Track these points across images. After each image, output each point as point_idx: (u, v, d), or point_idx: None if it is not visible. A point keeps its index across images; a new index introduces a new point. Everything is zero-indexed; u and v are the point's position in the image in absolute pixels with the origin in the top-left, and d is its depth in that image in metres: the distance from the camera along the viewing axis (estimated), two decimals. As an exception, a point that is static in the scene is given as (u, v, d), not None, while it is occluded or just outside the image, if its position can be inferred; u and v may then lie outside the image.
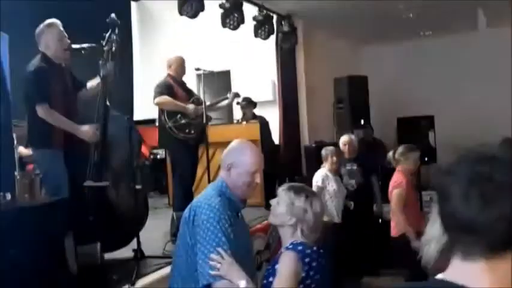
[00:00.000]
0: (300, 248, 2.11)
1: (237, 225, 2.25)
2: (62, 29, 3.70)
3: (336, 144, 6.26)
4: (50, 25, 3.67)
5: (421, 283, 1.10)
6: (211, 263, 2.02)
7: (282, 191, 2.26)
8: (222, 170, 2.35)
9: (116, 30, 3.88)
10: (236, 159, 2.29)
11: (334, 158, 5.44)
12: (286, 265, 2.07)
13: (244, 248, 2.29)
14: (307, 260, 2.09)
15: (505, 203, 0.90)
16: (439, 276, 1.03)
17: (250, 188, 2.32)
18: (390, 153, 4.69)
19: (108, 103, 3.86)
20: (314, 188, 5.27)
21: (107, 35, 3.85)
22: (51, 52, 3.64)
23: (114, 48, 3.87)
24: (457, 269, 0.98)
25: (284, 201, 2.20)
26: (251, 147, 2.40)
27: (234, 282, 1.98)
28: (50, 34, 3.64)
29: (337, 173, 5.51)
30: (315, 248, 2.16)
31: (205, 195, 2.29)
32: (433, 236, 1.21)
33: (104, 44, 3.84)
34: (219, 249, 2.04)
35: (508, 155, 0.96)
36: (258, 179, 2.31)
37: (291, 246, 2.13)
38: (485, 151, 0.97)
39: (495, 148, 0.98)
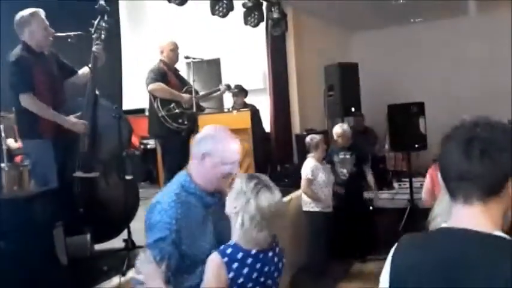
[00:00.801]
0: (228, 250, 1.90)
1: (202, 222, 2.07)
2: (44, 17, 3.63)
3: (327, 132, 6.26)
4: (34, 14, 3.59)
5: (430, 232, 1.35)
6: (136, 265, 1.88)
7: (238, 177, 2.01)
8: (193, 159, 2.12)
9: (105, 17, 3.82)
10: (213, 147, 2.05)
11: (324, 146, 5.44)
12: (207, 271, 1.89)
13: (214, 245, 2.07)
14: (235, 265, 1.88)
15: (496, 157, 1.17)
16: (444, 224, 1.26)
17: (225, 180, 2.11)
18: None
19: (97, 92, 3.81)
20: (303, 180, 5.28)
21: (96, 22, 3.79)
22: (35, 41, 3.57)
23: (103, 36, 3.82)
24: (459, 215, 1.22)
25: (235, 187, 1.95)
26: (230, 134, 2.14)
27: None
28: (35, 23, 3.57)
29: (323, 161, 5.49)
30: (253, 252, 1.91)
31: (164, 191, 2.15)
32: (439, 213, 1.48)
33: (92, 31, 3.78)
34: (146, 253, 1.87)
35: (498, 122, 1.22)
36: (236, 169, 2.09)
37: (221, 248, 1.93)
38: (482, 120, 1.22)
39: (492, 118, 1.23)
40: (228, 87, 5.55)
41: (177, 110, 4.82)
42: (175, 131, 4.83)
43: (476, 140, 1.18)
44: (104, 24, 3.81)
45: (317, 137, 5.45)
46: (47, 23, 3.64)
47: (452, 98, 8.30)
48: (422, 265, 1.21)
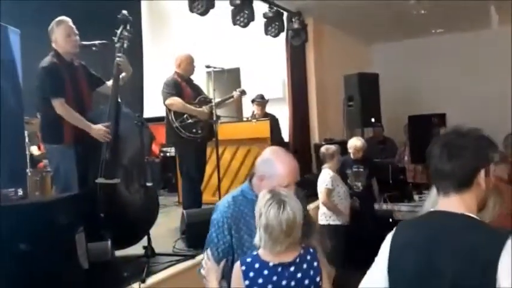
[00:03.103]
0: (248, 259, 2.00)
1: (253, 225, 2.17)
2: (71, 25, 3.73)
3: (345, 143, 6.22)
4: (59, 22, 3.72)
5: (422, 215, 1.65)
6: (202, 262, 2.18)
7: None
8: (255, 179, 2.28)
9: (128, 27, 3.89)
10: (267, 171, 2.20)
11: (339, 157, 5.37)
12: (232, 276, 2.04)
13: None
14: (251, 274, 1.97)
15: (461, 159, 1.50)
16: (431, 209, 1.60)
17: None
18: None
19: (119, 100, 3.87)
20: (322, 191, 5.15)
21: (119, 31, 3.87)
22: (61, 48, 3.68)
23: (125, 45, 3.88)
24: (441, 204, 1.56)
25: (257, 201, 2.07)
26: (284, 158, 2.23)
27: (207, 285, 2.09)
28: (59, 31, 3.69)
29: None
30: (271, 264, 1.97)
31: (227, 195, 2.36)
32: (427, 208, 1.78)
33: (115, 40, 3.85)
34: (208, 251, 2.17)
35: (469, 129, 1.55)
36: (292, 191, 2.16)
37: (245, 256, 2.05)
38: (456, 128, 1.56)
39: (464, 126, 1.56)
40: (243, 92, 5.56)
41: (190, 120, 4.89)
42: (189, 140, 4.89)
43: (447, 145, 1.53)
44: (126, 33, 3.88)
45: (332, 147, 5.37)
46: (75, 31, 3.73)
47: (474, 109, 8.19)
48: (413, 240, 1.55)
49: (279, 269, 1.97)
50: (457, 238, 1.45)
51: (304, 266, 2.01)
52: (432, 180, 1.60)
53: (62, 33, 3.69)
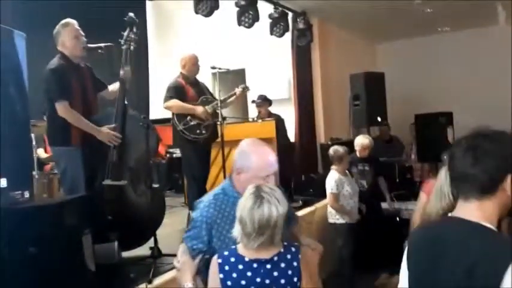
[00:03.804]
0: (226, 253, 1.98)
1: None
2: (77, 27, 3.72)
3: (352, 142, 6.20)
4: (66, 24, 3.71)
5: (438, 222, 1.72)
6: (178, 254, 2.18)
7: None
8: (232, 172, 2.25)
9: (134, 29, 3.89)
10: (244, 164, 2.16)
11: (348, 159, 5.34)
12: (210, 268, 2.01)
13: None
14: (226, 267, 1.94)
15: (487, 163, 1.40)
16: (449, 214, 1.54)
17: None
18: None
19: (126, 102, 3.88)
20: (329, 196, 5.16)
21: (125, 33, 3.86)
22: (67, 51, 3.67)
23: (132, 47, 3.89)
24: (459, 209, 1.48)
25: None
26: (260, 150, 2.20)
27: (181, 282, 2.06)
28: (66, 33, 3.68)
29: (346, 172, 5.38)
30: (246, 259, 1.92)
31: (209, 193, 2.34)
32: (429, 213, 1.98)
33: (122, 43, 3.85)
34: (182, 245, 2.17)
35: (496, 132, 1.46)
36: (272, 182, 2.12)
37: (222, 250, 2.03)
38: (481, 130, 1.47)
39: (489, 128, 1.47)
40: (246, 88, 5.56)
41: (193, 122, 4.92)
42: (193, 141, 4.92)
43: (472, 148, 1.44)
44: (133, 35, 3.88)
45: (341, 150, 5.29)
46: (81, 33, 3.73)
47: (481, 107, 8.13)
48: (421, 241, 1.55)
49: (254, 265, 1.92)
50: (464, 248, 1.38)
51: (283, 264, 1.94)
52: (452, 183, 1.57)
53: (69, 35, 3.67)
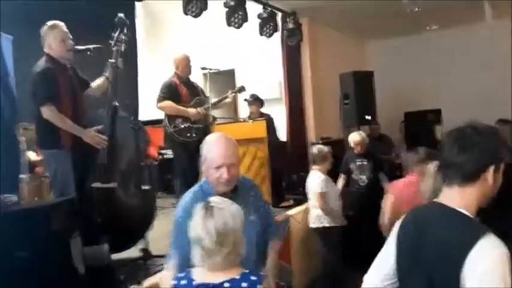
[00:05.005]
0: (181, 274, 1.88)
1: None
2: (65, 30, 3.70)
3: (342, 141, 6.23)
4: (52, 26, 3.68)
5: (423, 206, 1.79)
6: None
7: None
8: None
9: (125, 30, 3.88)
10: (205, 154, 2.28)
11: (331, 159, 5.20)
12: None
13: None
14: None
15: (472, 152, 1.53)
16: (434, 200, 1.68)
17: (219, 183, 2.23)
18: None
19: (116, 104, 3.87)
20: (318, 196, 4.96)
21: (115, 35, 3.85)
22: (55, 53, 3.65)
23: (123, 49, 3.88)
24: (443, 194, 1.63)
25: None
26: (220, 141, 2.28)
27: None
28: (52, 35, 3.65)
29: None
30: (194, 283, 1.79)
31: (189, 190, 2.39)
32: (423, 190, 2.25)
33: (112, 44, 3.84)
34: (170, 253, 2.21)
35: (485, 126, 1.59)
36: (225, 174, 2.18)
37: (181, 271, 1.93)
38: (471, 123, 1.59)
39: (479, 123, 1.60)
40: (242, 88, 5.57)
41: (183, 125, 4.94)
42: (183, 143, 4.94)
43: (460, 138, 1.57)
44: (123, 37, 3.87)
45: (325, 149, 5.19)
46: (69, 35, 3.70)
47: (469, 105, 8.19)
48: (409, 223, 1.68)
49: None
50: (441, 231, 1.54)
51: (243, 284, 1.77)
52: (440, 169, 1.75)
53: (57, 38, 3.64)
